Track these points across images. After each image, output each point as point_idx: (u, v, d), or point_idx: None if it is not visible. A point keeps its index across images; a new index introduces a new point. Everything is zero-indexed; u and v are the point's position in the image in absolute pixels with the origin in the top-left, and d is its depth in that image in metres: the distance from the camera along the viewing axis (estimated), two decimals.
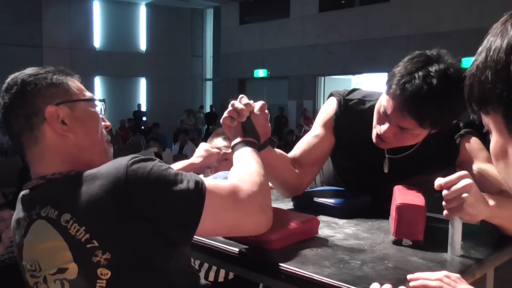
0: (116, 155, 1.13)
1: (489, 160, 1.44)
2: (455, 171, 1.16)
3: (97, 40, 16.95)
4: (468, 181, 1.12)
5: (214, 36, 18.60)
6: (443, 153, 1.50)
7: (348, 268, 1.06)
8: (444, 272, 0.99)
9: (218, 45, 17.73)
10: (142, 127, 14.60)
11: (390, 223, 1.33)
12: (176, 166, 1.73)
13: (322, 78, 14.37)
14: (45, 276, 1.02)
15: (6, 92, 1.08)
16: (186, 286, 1.08)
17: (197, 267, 1.83)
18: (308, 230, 1.27)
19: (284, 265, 1.08)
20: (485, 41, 0.66)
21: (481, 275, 1.17)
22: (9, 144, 11.21)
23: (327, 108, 1.64)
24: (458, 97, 1.27)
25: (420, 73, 1.30)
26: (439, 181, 1.14)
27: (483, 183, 1.34)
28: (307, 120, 12.72)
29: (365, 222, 1.44)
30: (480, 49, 0.66)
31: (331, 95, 1.67)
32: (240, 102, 1.32)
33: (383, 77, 12.14)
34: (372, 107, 1.50)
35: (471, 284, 1.02)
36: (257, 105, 1.34)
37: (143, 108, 17.02)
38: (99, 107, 1.17)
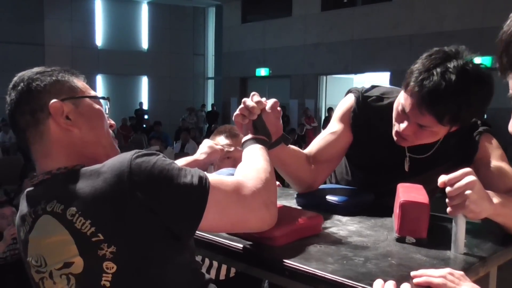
0: None
1: (503, 159, 1.45)
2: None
3: (99, 38, 16.97)
4: (471, 178, 1.12)
5: (216, 34, 18.60)
6: (461, 151, 1.49)
7: (352, 265, 1.06)
8: (448, 269, 0.99)
9: (220, 44, 17.73)
10: (144, 126, 14.61)
11: (394, 221, 1.33)
12: (180, 162, 1.73)
13: (324, 77, 14.37)
14: (50, 271, 1.02)
15: (13, 90, 1.10)
16: (191, 279, 1.08)
17: None
18: (312, 227, 1.27)
19: (287, 261, 1.08)
20: None
21: (485, 273, 1.17)
22: (11, 142, 11.23)
23: (345, 105, 1.63)
24: (477, 92, 1.28)
25: (438, 70, 1.29)
26: (442, 178, 1.14)
27: (496, 180, 1.34)
28: (309, 119, 12.72)
29: (369, 220, 1.44)
30: None
31: (349, 91, 1.66)
32: (252, 100, 1.32)
33: (385, 76, 12.17)
34: (391, 104, 1.49)
35: (474, 282, 1.02)
36: (269, 103, 1.34)
37: (145, 106, 17.04)
38: (104, 105, 1.18)
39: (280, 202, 1.40)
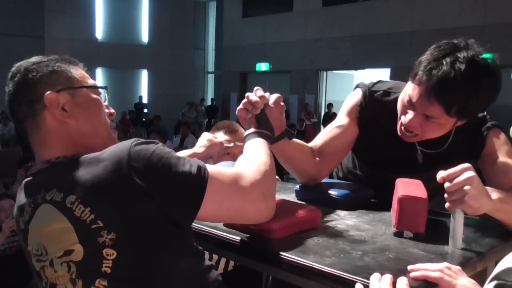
0: None
1: (510, 155, 1.44)
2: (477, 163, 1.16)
3: (99, 31, 16.93)
4: (470, 173, 1.12)
5: (217, 29, 18.55)
6: (470, 146, 1.49)
7: (349, 258, 1.06)
8: (445, 264, 1.00)
9: (220, 38, 17.69)
10: (143, 119, 14.60)
11: (392, 215, 1.34)
12: (179, 154, 1.73)
13: (324, 72, 14.35)
14: (51, 259, 1.03)
15: (10, 80, 1.11)
16: (192, 264, 1.08)
17: None
18: (310, 221, 1.27)
19: (285, 254, 1.08)
20: None
21: (482, 268, 1.17)
22: (10, 135, 11.23)
23: (352, 99, 1.62)
24: (486, 84, 1.27)
25: (448, 59, 1.28)
26: (441, 174, 1.14)
27: (501, 176, 1.34)
28: (308, 114, 12.71)
29: (367, 214, 1.44)
30: None
31: (357, 86, 1.65)
32: (255, 94, 1.32)
33: (385, 72, 12.16)
34: (397, 98, 1.48)
35: (471, 277, 1.02)
36: (272, 98, 1.34)
37: (145, 100, 17.02)
38: (102, 94, 1.17)
39: (279, 196, 1.41)
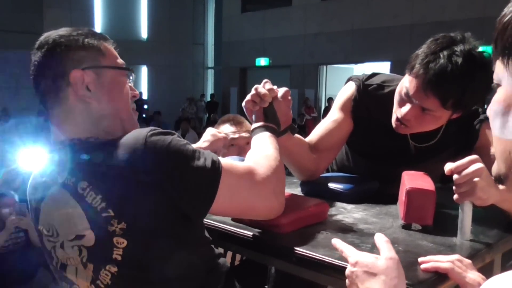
0: None
1: None
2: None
3: (98, 27, 16.85)
4: (479, 165, 1.12)
5: (216, 24, 18.51)
6: (462, 138, 1.50)
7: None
8: (457, 256, 1.00)
9: (219, 33, 17.66)
10: (144, 115, 14.59)
11: (399, 208, 1.34)
12: None
13: (324, 67, 14.33)
14: (62, 242, 1.03)
15: (38, 50, 1.07)
16: (203, 253, 1.09)
17: None
18: (318, 214, 1.28)
19: (295, 248, 1.08)
20: None
21: (491, 259, 1.18)
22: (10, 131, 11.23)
23: (345, 93, 1.62)
24: (482, 78, 1.27)
25: (445, 53, 1.28)
26: (449, 166, 1.14)
27: None
28: (309, 109, 12.69)
29: (373, 207, 1.44)
30: None
31: (349, 79, 1.65)
32: (264, 87, 1.31)
33: (385, 66, 12.14)
34: (392, 92, 1.48)
35: (479, 269, 1.02)
36: (281, 92, 1.34)
37: (144, 96, 16.99)
38: (128, 75, 1.14)
39: (285, 191, 1.41)
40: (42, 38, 1.08)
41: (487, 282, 0.54)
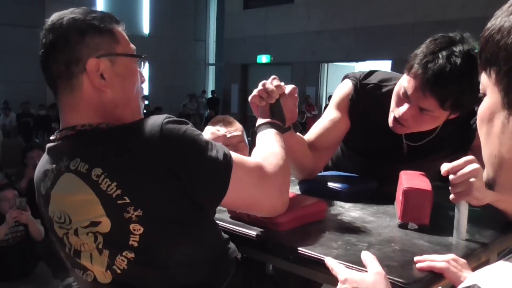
0: None
1: None
2: (466, 155, 1.17)
3: None
4: (475, 165, 1.13)
5: (218, 20, 18.47)
6: (458, 138, 1.50)
7: (355, 250, 1.07)
8: (452, 255, 1.01)
9: (221, 30, 17.62)
10: (145, 111, 14.53)
11: (396, 207, 1.35)
12: None
13: (326, 64, 14.30)
14: (76, 228, 1.01)
15: (49, 32, 1.03)
16: (213, 239, 1.10)
17: None
18: (316, 213, 1.29)
19: (292, 246, 1.09)
20: None
21: (486, 259, 1.19)
22: (11, 125, 11.23)
23: (342, 91, 1.62)
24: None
25: (444, 53, 1.29)
26: (445, 167, 1.15)
27: None
28: (309, 106, 12.69)
29: (371, 206, 1.45)
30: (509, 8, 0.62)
31: (346, 77, 1.65)
32: (272, 83, 1.31)
33: (387, 64, 12.12)
34: (389, 92, 1.49)
35: (475, 268, 1.03)
36: (288, 88, 1.34)
37: (146, 92, 16.93)
38: (139, 63, 1.13)
39: None
40: (54, 19, 1.04)
41: (473, 274, 0.56)
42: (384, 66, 12.16)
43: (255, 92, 1.32)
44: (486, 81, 0.66)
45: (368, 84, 1.59)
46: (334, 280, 1.00)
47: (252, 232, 1.18)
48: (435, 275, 0.98)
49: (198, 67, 19.22)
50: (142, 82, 1.14)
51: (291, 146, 1.46)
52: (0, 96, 12.60)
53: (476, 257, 1.12)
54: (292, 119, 1.38)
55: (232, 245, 1.14)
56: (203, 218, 1.06)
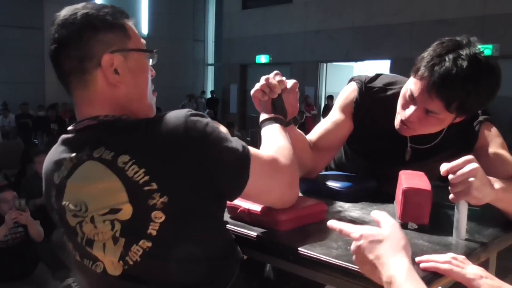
0: None
1: (503, 146, 1.46)
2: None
3: None
4: (474, 165, 1.13)
5: (216, 20, 18.48)
6: (461, 140, 1.51)
7: None
8: (451, 254, 1.01)
9: (220, 30, 17.62)
10: None
11: (396, 207, 1.35)
12: None
13: (325, 64, 14.31)
14: (92, 216, 1.01)
15: (62, 27, 1.03)
16: (225, 236, 1.12)
17: None
18: (316, 214, 1.29)
19: (292, 246, 1.09)
20: None
21: (486, 258, 1.19)
22: (10, 126, 11.22)
23: (347, 94, 1.63)
24: (487, 82, 1.29)
25: (451, 56, 1.30)
26: (445, 167, 1.15)
27: (496, 168, 1.36)
28: (308, 106, 12.69)
29: (370, 206, 1.45)
30: None
31: (352, 79, 1.66)
32: (274, 78, 1.33)
33: (386, 64, 12.13)
34: (394, 95, 1.50)
35: None
36: (290, 83, 1.36)
37: None
38: (149, 58, 1.14)
39: None
40: (67, 14, 1.04)
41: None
42: (383, 65, 12.17)
43: (257, 86, 1.33)
44: None
45: (373, 88, 1.60)
46: (335, 280, 1.01)
47: (252, 233, 1.19)
48: (435, 274, 0.98)
49: (197, 67, 19.23)
50: (152, 76, 1.16)
51: (291, 141, 1.47)
52: None
53: (476, 257, 1.12)
54: (294, 113, 1.40)
55: (237, 246, 1.16)
56: (220, 214, 1.08)
